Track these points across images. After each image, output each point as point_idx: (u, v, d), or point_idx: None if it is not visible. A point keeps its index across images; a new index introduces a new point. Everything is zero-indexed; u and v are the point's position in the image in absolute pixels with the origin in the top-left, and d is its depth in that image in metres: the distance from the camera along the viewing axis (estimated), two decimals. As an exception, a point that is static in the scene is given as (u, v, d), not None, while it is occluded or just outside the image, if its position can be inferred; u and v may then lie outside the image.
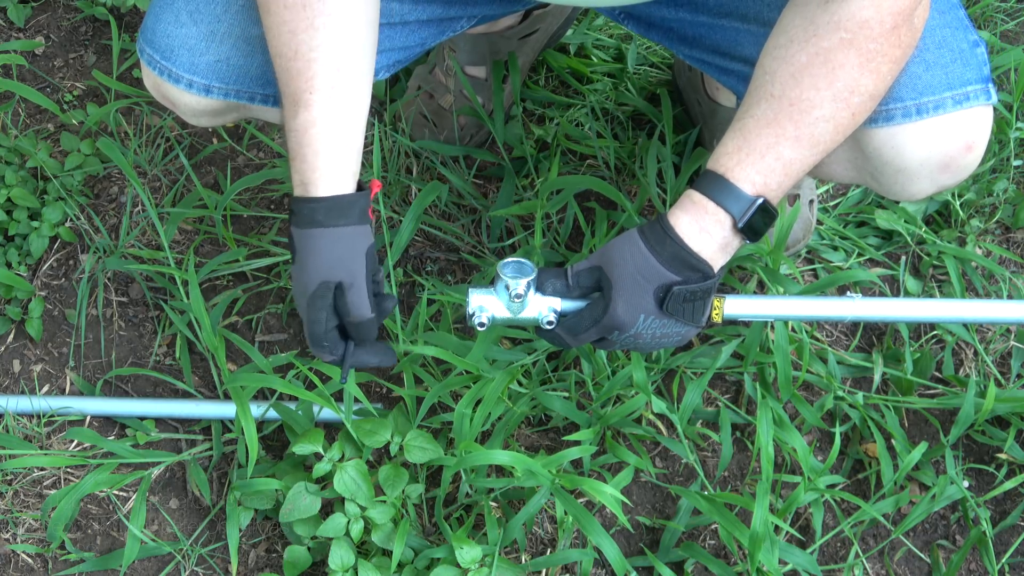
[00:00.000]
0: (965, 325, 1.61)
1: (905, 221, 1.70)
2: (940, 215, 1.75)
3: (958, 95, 1.10)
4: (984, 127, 1.13)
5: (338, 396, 1.47)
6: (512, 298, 1.09)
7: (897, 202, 1.72)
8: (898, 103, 1.10)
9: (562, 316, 1.11)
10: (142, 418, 1.55)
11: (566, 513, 1.41)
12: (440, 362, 1.52)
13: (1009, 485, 1.48)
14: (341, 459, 1.38)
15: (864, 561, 1.49)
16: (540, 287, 1.11)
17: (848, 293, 1.22)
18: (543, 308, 1.10)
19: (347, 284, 1.09)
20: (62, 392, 1.60)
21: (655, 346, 1.12)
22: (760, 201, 1.03)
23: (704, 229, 1.04)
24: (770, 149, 1.02)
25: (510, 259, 1.10)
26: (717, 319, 1.12)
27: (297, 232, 1.10)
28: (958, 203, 1.72)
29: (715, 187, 1.03)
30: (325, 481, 1.37)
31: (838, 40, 0.99)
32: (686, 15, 1.31)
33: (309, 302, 1.08)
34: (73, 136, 1.73)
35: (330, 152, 1.08)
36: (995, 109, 1.15)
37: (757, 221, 1.03)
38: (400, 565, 1.36)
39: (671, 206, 1.07)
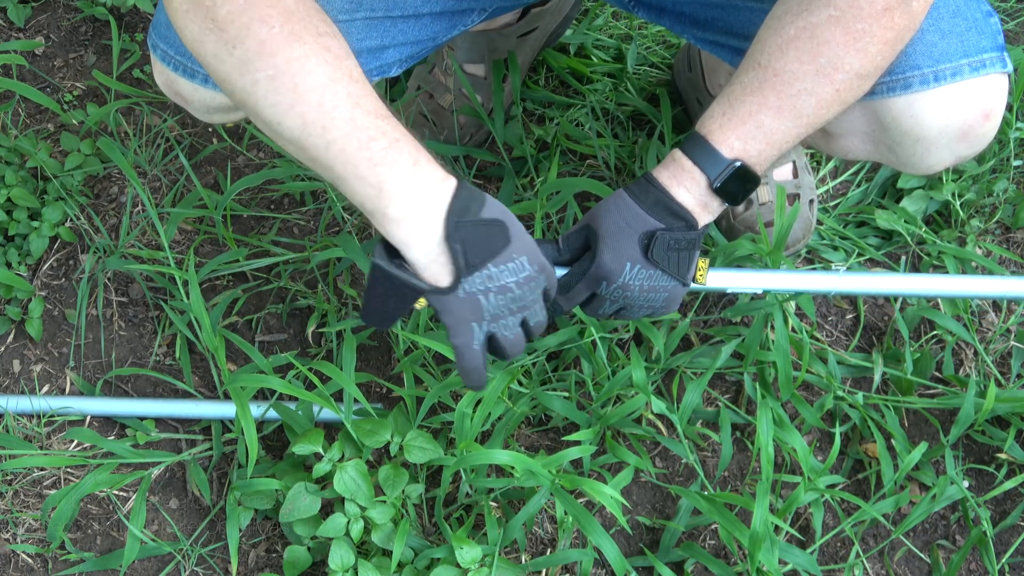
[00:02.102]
0: (965, 325, 1.61)
1: (905, 221, 1.70)
2: (940, 215, 1.75)
3: (975, 62, 1.12)
4: (1001, 95, 1.14)
5: (338, 396, 1.47)
6: None
7: (898, 201, 1.72)
8: (916, 71, 1.11)
9: None
10: (142, 418, 1.55)
11: (566, 513, 1.41)
12: (440, 361, 1.53)
13: (1009, 485, 1.48)
14: (341, 459, 1.38)
15: (864, 561, 1.49)
16: None
17: (833, 267, 1.23)
18: None
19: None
20: (62, 392, 1.60)
21: (645, 304, 1.13)
22: (737, 165, 1.06)
23: (681, 184, 1.08)
24: (752, 116, 1.05)
25: None
26: (701, 280, 1.15)
27: (493, 202, 1.01)
28: (958, 203, 1.72)
29: (696, 147, 1.07)
30: (325, 481, 1.37)
31: (826, 16, 1.01)
32: None
33: (541, 259, 1.04)
34: (73, 136, 1.73)
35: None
36: (1009, 78, 1.16)
37: (733, 184, 1.07)
38: (400, 565, 1.36)
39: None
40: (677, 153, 1.09)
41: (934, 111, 1.13)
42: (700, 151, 1.07)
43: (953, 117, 1.13)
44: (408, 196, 0.97)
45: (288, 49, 0.95)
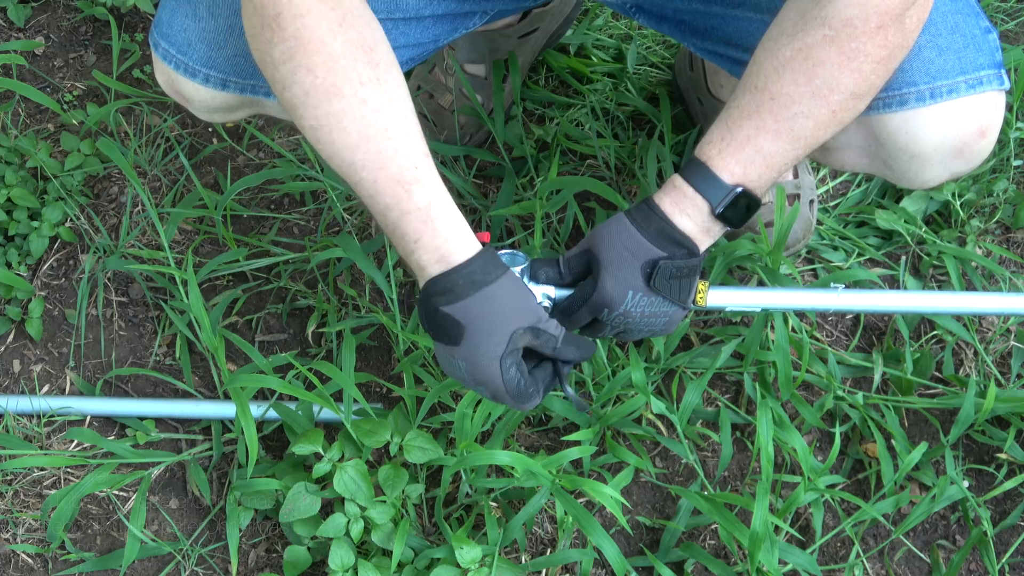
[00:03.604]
0: (965, 325, 1.61)
1: (905, 221, 1.70)
2: (940, 215, 1.75)
3: (971, 79, 1.11)
4: (997, 112, 1.14)
5: (338, 396, 1.47)
6: None
7: (898, 201, 1.72)
8: (912, 87, 1.11)
9: (555, 303, 1.14)
10: (142, 418, 1.55)
11: (566, 513, 1.41)
12: (440, 362, 1.53)
13: (1009, 485, 1.48)
14: (341, 459, 1.38)
15: (864, 561, 1.49)
16: (534, 276, 1.13)
17: (832, 284, 1.23)
18: (537, 295, 1.12)
19: (538, 320, 1.05)
20: (62, 392, 1.60)
21: (645, 328, 1.13)
22: (738, 190, 1.05)
23: (684, 211, 1.08)
24: (750, 140, 1.05)
25: (504, 250, 1.12)
26: (701, 302, 1.14)
27: (467, 302, 1.03)
28: (958, 203, 1.72)
29: (696, 174, 1.07)
30: (325, 481, 1.37)
31: (821, 36, 1.00)
32: (698, 6, 1.32)
33: (506, 358, 1.03)
34: (73, 136, 1.73)
35: (457, 217, 1.05)
36: (1006, 96, 1.15)
37: (735, 209, 1.06)
38: (400, 565, 1.36)
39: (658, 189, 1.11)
40: (678, 179, 1.08)
41: (930, 128, 1.12)
42: (701, 177, 1.06)
43: (949, 134, 1.13)
44: (412, 261, 1.06)
45: (327, 103, 1.01)
